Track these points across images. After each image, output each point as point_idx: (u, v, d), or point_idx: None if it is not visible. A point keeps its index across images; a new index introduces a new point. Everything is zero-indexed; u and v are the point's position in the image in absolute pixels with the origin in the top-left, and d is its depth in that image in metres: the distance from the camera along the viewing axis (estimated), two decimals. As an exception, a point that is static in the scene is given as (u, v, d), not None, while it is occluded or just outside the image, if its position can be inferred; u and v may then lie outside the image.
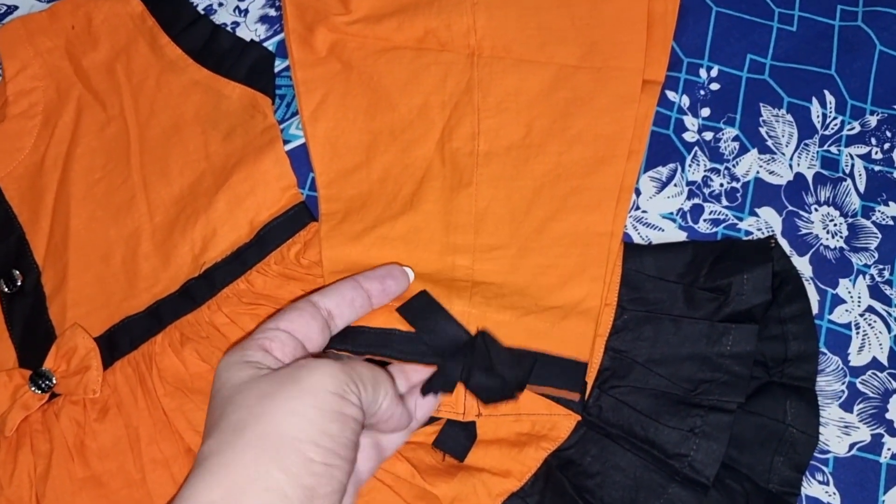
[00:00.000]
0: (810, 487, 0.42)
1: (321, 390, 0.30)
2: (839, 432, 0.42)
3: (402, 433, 0.37)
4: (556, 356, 0.40)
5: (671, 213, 0.46)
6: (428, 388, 0.38)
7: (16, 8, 0.51)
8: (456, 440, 0.41)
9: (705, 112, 0.47)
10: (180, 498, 0.28)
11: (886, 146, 0.47)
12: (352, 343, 0.39)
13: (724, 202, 0.46)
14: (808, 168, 0.46)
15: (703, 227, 0.46)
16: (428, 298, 0.40)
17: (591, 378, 0.42)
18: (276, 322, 0.34)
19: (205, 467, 0.29)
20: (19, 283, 0.46)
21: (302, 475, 0.28)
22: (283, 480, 0.28)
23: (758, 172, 0.46)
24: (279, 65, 0.49)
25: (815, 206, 0.46)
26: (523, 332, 0.40)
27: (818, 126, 0.47)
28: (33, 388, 0.43)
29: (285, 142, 0.47)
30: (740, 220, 0.46)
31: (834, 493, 0.42)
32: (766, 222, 0.45)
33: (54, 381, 0.43)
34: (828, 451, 0.42)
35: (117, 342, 0.44)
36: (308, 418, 0.29)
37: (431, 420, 0.41)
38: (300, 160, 0.47)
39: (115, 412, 0.43)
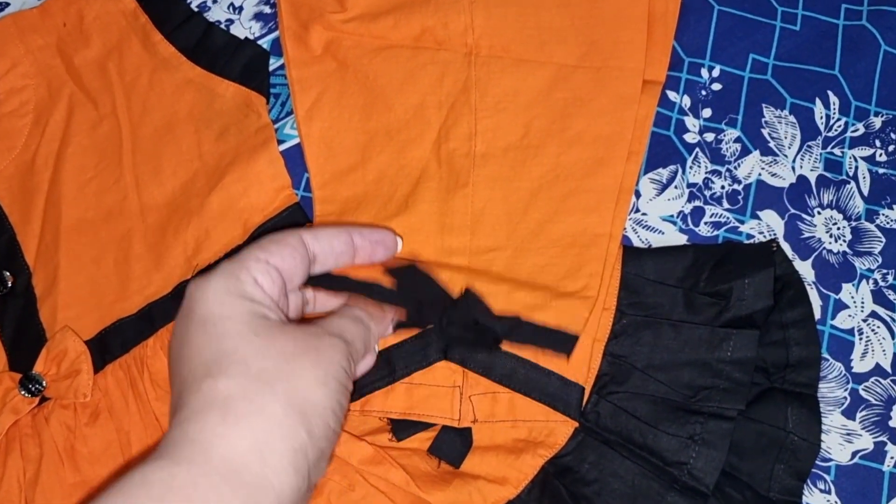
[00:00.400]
0: (812, 496, 0.41)
1: (338, 365, 0.31)
2: (841, 440, 0.42)
3: None
4: (547, 326, 0.39)
5: (671, 216, 0.45)
6: (401, 325, 0.38)
7: (7, 5, 0.50)
8: (451, 446, 0.40)
9: (706, 113, 0.46)
10: (197, 435, 0.27)
11: (891, 148, 0.46)
12: (332, 285, 0.37)
13: (726, 205, 0.45)
14: (811, 170, 0.46)
15: (703, 230, 0.45)
16: (417, 268, 0.39)
17: (589, 383, 0.41)
18: (267, 255, 0.33)
19: (230, 410, 0.27)
20: (10, 285, 0.45)
21: (321, 439, 0.29)
22: (307, 442, 0.28)
23: (760, 174, 0.45)
24: (274, 63, 0.48)
25: (818, 209, 0.45)
26: (515, 303, 0.40)
27: (821, 127, 0.46)
28: (23, 392, 0.42)
29: (280, 141, 0.46)
30: (742, 223, 0.45)
31: (836, 502, 0.41)
32: (767, 225, 0.45)
33: (44, 385, 0.42)
34: (830, 459, 0.42)
35: (109, 345, 0.43)
36: (331, 389, 0.30)
37: (427, 426, 0.40)
38: (295, 160, 0.46)
39: (106, 416, 0.42)
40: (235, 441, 0.27)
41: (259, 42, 0.48)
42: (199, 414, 0.28)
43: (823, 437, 0.41)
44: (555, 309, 0.40)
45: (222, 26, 0.49)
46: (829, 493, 0.41)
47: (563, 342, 0.39)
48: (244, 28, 0.49)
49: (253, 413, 0.28)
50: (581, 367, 0.40)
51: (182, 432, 0.27)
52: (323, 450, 0.29)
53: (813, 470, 0.41)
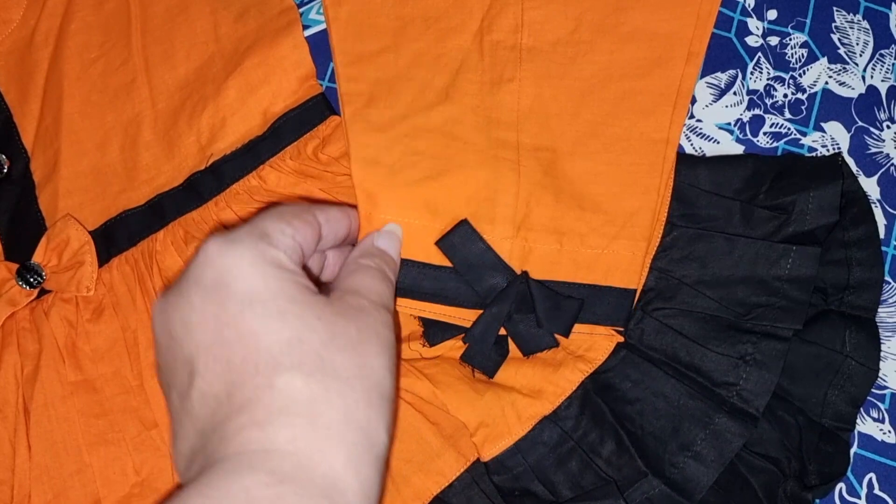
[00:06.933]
0: (864, 424, 0.39)
1: (393, 344, 0.29)
2: (899, 367, 0.39)
3: None
4: (602, 286, 0.38)
5: (728, 124, 0.42)
6: (466, 357, 0.38)
7: None
8: (485, 355, 0.37)
9: (772, 14, 0.43)
10: (289, 446, 0.24)
11: (967, 62, 0.43)
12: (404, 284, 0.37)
13: (788, 114, 0.42)
14: (883, 81, 0.42)
15: (762, 140, 0.42)
16: (468, 230, 0.37)
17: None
18: (292, 230, 0.29)
19: (318, 417, 0.25)
20: (6, 170, 0.41)
21: (392, 434, 0.28)
22: (387, 445, 0.27)
23: (826, 83, 0.42)
24: (300, -60, 0.44)
25: (888, 122, 0.42)
26: (569, 264, 0.38)
27: (896, 35, 0.43)
28: (20, 283, 0.39)
29: (304, 27, 0.42)
30: (804, 134, 0.42)
31: (889, 432, 0.39)
32: (832, 138, 0.41)
33: (44, 276, 0.39)
34: (885, 387, 0.39)
35: (114, 237, 0.40)
36: (395, 374, 0.29)
37: (461, 330, 0.37)
38: (319, 48, 0.42)
39: (110, 313, 0.39)
40: (332, 457, 0.25)
41: (284, -85, 0.44)
42: (284, 417, 0.25)
43: (880, 363, 0.38)
44: (607, 261, 0.38)
45: None
46: (882, 421, 0.39)
47: (618, 305, 0.38)
48: None
49: (341, 422, 0.25)
50: (633, 277, 0.37)
51: (268, 439, 0.24)
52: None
53: (867, 398, 0.38)
